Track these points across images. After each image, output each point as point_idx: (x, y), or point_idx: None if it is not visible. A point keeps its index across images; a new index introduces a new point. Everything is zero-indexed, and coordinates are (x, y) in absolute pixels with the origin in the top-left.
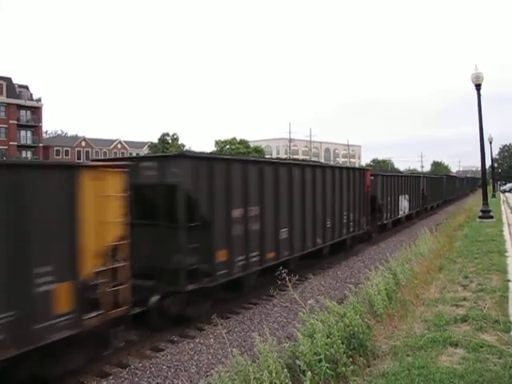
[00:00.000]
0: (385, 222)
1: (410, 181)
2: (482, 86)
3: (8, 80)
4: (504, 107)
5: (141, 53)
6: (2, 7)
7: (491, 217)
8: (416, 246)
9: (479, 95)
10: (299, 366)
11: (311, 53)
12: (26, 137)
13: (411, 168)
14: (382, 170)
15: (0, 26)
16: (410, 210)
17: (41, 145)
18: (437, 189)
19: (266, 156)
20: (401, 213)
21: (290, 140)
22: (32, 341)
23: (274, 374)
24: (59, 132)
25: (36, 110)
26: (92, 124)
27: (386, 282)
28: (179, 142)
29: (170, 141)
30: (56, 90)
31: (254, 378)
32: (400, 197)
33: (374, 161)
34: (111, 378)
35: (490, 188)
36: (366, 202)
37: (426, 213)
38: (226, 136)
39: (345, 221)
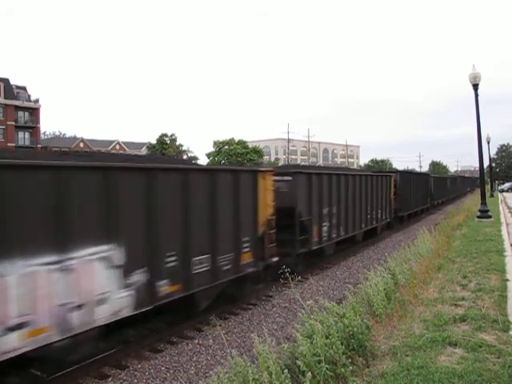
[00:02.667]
0: None
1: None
2: (479, 86)
3: (6, 81)
4: (503, 107)
5: (139, 54)
6: (0, 8)
7: (489, 216)
8: (415, 246)
9: (477, 95)
10: (299, 367)
11: (310, 53)
12: (24, 138)
13: (410, 168)
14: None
15: None
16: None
17: (39, 146)
18: (370, 199)
19: (265, 157)
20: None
21: (289, 140)
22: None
23: (273, 375)
24: (57, 133)
25: (34, 111)
26: (90, 125)
27: (385, 282)
28: (177, 143)
29: (168, 141)
30: (54, 90)
31: (253, 379)
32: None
33: (372, 161)
34: (110, 379)
35: (488, 188)
36: None
37: (324, 261)
38: (224, 136)
39: None
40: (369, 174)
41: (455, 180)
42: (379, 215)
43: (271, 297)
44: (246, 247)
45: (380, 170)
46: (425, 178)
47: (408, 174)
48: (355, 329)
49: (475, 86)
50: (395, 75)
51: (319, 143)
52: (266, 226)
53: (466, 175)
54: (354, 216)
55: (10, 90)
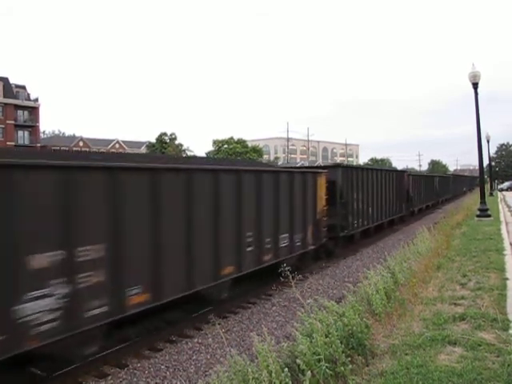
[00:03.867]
0: None
1: None
2: (479, 85)
3: (5, 80)
4: (503, 106)
5: (139, 52)
6: (0, 8)
7: (489, 215)
8: (414, 245)
9: (476, 94)
10: (298, 366)
11: (310, 53)
12: (23, 137)
13: (409, 167)
14: None
15: None
16: None
17: (38, 145)
18: (257, 217)
19: (264, 156)
20: None
21: (288, 139)
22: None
23: (273, 374)
24: (57, 132)
25: (33, 110)
26: (90, 124)
27: (385, 280)
28: (177, 142)
29: (167, 140)
30: (53, 89)
31: (253, 378)
32: None
33: (371, 160)
34: (109, 378)
35: (487, 187)
36: None
37: None
38: (223, 135)
39: None
40: (242, 169)
41: (447, 179)
42: (285, 243)
43: (271, 296)
44: None
45: (299, 166)
46: (398, 177)
47: (361, 171)
48: (355, 328)
49: (475, 85)
50: (395, 75)
51: (318, 142)
52: None
53: (466, 174)
54: (187, 259)
55: (9, 88)
